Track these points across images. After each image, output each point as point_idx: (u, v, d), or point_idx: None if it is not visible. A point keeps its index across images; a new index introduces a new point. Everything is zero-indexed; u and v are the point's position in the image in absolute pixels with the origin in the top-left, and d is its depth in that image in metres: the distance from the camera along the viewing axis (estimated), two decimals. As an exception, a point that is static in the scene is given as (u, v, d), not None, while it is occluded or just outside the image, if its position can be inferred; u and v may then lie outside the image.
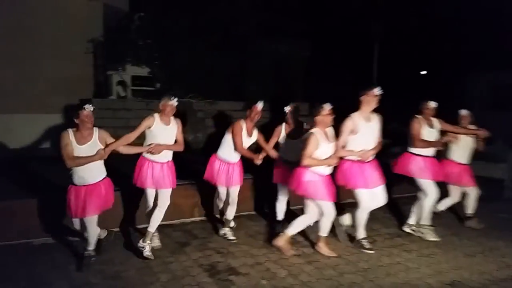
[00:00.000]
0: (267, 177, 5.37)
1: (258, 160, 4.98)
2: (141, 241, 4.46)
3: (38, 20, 8.04)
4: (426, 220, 5.31)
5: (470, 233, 5.50)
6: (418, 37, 17.60)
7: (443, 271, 4.37)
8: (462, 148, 5.63)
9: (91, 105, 4.01)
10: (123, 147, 4.27)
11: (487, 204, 6.39)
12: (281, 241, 4.69)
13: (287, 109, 5.16)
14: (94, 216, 4.06)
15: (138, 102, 8.34)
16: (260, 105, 4.89)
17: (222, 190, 5.11)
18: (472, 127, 5.63)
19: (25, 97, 7.81)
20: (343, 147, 4.70)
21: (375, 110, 4.81)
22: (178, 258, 4.49)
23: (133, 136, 4.37)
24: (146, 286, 3.84)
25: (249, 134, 4.94)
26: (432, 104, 5.20)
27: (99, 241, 4.41)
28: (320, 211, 4.56)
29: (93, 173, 4.05)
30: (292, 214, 5.29)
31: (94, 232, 4.14)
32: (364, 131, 4.68)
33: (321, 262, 4.50)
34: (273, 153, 5.17)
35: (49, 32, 8.07)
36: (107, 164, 4.22)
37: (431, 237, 5.23)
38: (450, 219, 6.08)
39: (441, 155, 5.62)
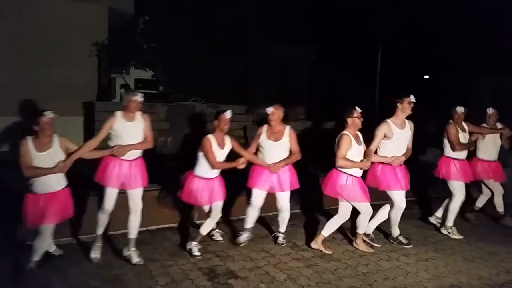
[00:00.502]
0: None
1: (240, 164, 4.74)
2: (125, 250, 4.47)
3: (42, 23, 8.10)
4: (450, 220, 5.57)
5: (469, 238, 5.50)
6: (422, 41, 17.58)
7: (442, 275, 4.38)
8: (489, 146, 5.98)
9: (51, 111, 3.96)
10: (87, 153, 4.19)
11: (488, 209, 6.41)
12: (317, 243, 4.97)
13: (269, 110, 4.93)
14: (50, 226, 3.99)
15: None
16: (228, 114, 4.68)
17: (205, 207, 4.92)
18: (498, 125, 5.98)
19: (29, 101, 7.86)
20: (375, 151, 4.90)
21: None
22: (177, 261, 4.51)
23: (94, 143, 4.26)
24: (144, 289, 3.88)
25: (221, 146, 4.64)
26: (461, 109, 5.53)
27: (47, 254, 4.28)
28: (344, 212, 4.85)
29: (53, 182, 3.98)
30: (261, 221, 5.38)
31: (44, 242, 4.05)
32: (397, 137, 4.87)
33: (320, 266, 4.52)
34: (253, 158, 4.93)
35: (53, 35, 8.14)
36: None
37: (457, 236, 5.52)
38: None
39: (472, 154, 5.97)
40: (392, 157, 4.86)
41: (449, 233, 5.60)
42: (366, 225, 5.01)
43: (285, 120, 11.14)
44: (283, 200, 4.99)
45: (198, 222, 5.36)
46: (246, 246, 5.03)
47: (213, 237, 5.12)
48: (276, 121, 4.90)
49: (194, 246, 4.66)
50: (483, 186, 6.21)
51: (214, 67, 9.52)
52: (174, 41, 9.40)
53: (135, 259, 4.38)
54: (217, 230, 5.19)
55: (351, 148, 4.64)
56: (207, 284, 4.04)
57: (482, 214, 6.43)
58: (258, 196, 4.93)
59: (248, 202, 5.08)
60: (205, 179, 4.62)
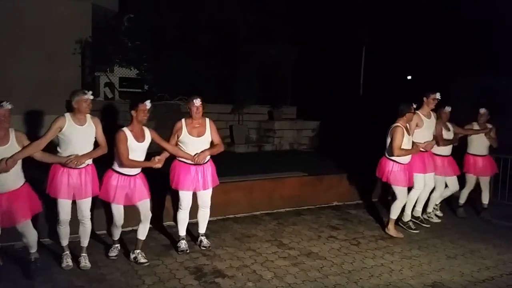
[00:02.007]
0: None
1: (157, 163, 4.33)
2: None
3: (25, 20, 7.95)
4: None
5: (452, 236, 5.62)
6: (405, 41, 17.82)
7: (425, 272, 4.47)
8: (477, 142, 6.33)
9: (8, 103, 3.73)
10: (39, 153, 3.88)
11: (469, 208, 6.56)
12: (390, 229, 5.54)
13: (198, 102, 4.56)
14: (27, 221, 3.88)
15: (125, 104, 8.31)
16: (147, 103, 4.29)
17: (119, 211, 4.32)
18: (489, 125, 6.30)
19: (12, 99, 7.70)
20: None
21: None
22: (164, 260, 4.50)
23: (43, 143, 3.91)
24: (131, 289, 3.85)
25: (139, 139, 4.24)
26: (448, 109, 6.06)
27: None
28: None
29: (9, 180, 3.74)
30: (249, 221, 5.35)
31: (33, 236, 3.97)
32: (426, 125, 5.69)
33: (306, 264, 4.56)
34: (175, 151, 4.59)
35: (37, 32, 8.00)
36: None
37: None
38: (433, 222, 6.19)
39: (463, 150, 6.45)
40: (425, 142, 5.60)
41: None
42: (399, 211, 5.55)
43: (271, 119, 11.23)
44: (206, 197, 4.80)
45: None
46: (233, 245, 5.04)
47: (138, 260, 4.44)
48: (200, 114, 4.62)
49: (138, 254, 4.40)
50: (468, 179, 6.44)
51: (200, 66, 9.49)
52: (159, 39, 9.34)
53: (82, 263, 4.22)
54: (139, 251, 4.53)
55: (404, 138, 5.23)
56: (194, 283, 4.03)
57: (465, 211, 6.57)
58: (186, 197, 4.68)
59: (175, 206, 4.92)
60: (125, 176, 4.25)
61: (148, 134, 4.35)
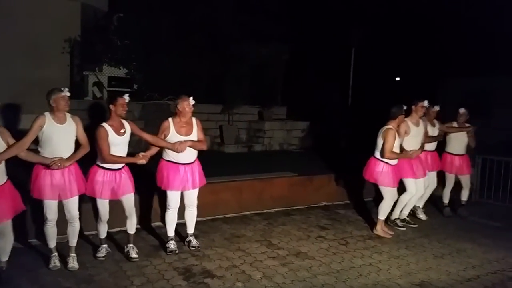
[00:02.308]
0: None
1: (141, 159, 4.33)
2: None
3: (13, 19, 7.88)
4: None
5: (439, 235, 5.68)
6: (394, 42, 17.97)
7: (413, 272, 4.51)
8: (456, 142, 6.46)
9: None
10: (24, 153, 3.83)
11: (455, 208, 6.65)
12: (378, 229, 5.58)
13: (192, 101, 4.60)
14: (8, 222, 3.80)
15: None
16: (126, 97, 4.28)
17: (104, 206, 4.33)
18: (467, 124, 6.41)
19: (-1, 97, 7.63)
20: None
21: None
22: (153, 261, 4.48)
23: (27, 142, 3.85)
24: (119, 290, 3.83)
25: (119, 133, 4.25)
26: (436, 108, 6.23)
27: None
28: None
29: None
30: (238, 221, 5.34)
31: (9, 241, 3.89)
32: (414, 133, 5.73)
33: (295, 264, 4.58)
34: (156, 141, 4.53)
35: (25, 31, 7.92)
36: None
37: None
38: (421, 222, 6.26)
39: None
40: (411, 150, 5.54)
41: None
42: (387, 211, 5.58)
43: (260, 119, 11.23)
44: (193, 196, 4.78)
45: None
46: (222, 245, 5.04)
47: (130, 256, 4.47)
48: (190, 113, 4.64)
49: (130, 248, 4.46)
50: (448, 178, 6.58)
51: (190, 65, 9.47)
52: (149, 39, 9.30)
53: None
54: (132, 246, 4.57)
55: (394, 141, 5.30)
56: (183, 283, 4.02)
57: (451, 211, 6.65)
58: (174, 197, 4.66)
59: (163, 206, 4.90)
60: (110, 171, 4.25)
61: (128, 127, 4.35)
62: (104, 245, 4.53)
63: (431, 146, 6.25)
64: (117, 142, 4.22)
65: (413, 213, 6.31)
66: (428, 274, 4.47)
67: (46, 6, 8.22)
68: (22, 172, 4.09)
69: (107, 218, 4.42)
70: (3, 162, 3.76)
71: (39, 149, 3.98)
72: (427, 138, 6.06)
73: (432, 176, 6.32)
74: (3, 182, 3.75)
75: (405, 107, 5.46)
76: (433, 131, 6.24)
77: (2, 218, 3.72)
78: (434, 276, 4.43)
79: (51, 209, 4.02)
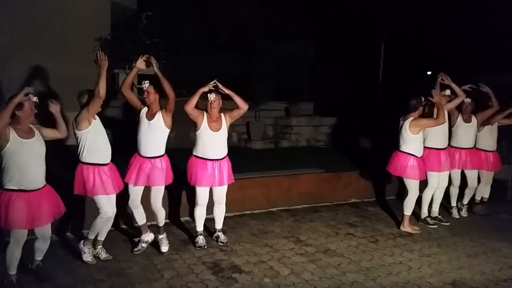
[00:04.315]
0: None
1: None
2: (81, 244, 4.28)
3: (45, 18, 8.10)
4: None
5: (472, 234, 5.52)
6: (424, 36, 17.52)
7: (445, 271, 4.40)
8: (485, 136, 6.29)
9: (36, 97, 3.69)
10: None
11: (490, 205, 6.44)
12: (405, 225, 5.54)
13: (212, 97, 4.74)
14: (48, 226, 3.79)
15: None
16: (145, 84, 4.65)
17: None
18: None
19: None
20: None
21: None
22: (182, 255, 4.54)
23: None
24: (150, 283, 3.90)
25: (149, 118, 4.53)
26: (468, 100, 6.08)
27: None
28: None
29: (41, 175, 3.68)
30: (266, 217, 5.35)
31: (48, 242, 3.88)
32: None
33: (323, 261, 4.54)
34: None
35: (57, 30, 8.14)
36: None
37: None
38: (453, 220, 6.10)
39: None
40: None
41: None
42: (413, 206, 5.52)
43: (287, 115, 11.21)
44: (222, 193, 4.85)
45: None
46: (250, 241, 5.05)
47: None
48: (216, 109, 4.74)
49: (143, 239, 4.57)
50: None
51: (216, 62, 9.51)
52: (177, 37, 9.39)
53: (87, 257, 4.25)
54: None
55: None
56: (211, 278, 4.06)
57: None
58: (203, 194, 4.74)
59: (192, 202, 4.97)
60: (146, 159, 4.47)
61: (159, 114, 4.58)
62: (143, 239, 4.61)
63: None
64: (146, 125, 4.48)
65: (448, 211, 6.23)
66: (460, 273, 4.35)
67: (76, 5, 8.42)
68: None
69: (136, 205, 4.53)
70: (44, 167, 3.72)
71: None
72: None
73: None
74: (42, 186, 3.71)
75: (423, 99, 5.44)
76: (468, 128, 6.07)
77: (41, 222, 3.69)
78: (467, 275, 4.31)
79: (111, 202, 4.22)
